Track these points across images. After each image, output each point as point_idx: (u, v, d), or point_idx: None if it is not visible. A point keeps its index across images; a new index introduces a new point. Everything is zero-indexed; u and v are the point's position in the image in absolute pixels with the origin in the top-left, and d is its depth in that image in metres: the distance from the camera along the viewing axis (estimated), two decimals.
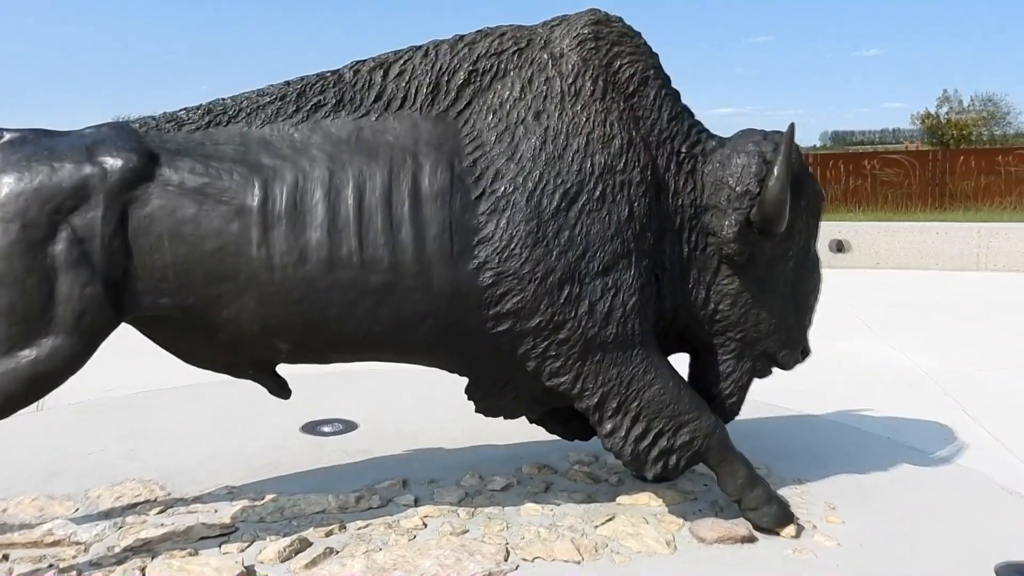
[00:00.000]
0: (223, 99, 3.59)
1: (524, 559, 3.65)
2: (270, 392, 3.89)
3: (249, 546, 3.78)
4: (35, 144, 3.34)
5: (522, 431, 4.79)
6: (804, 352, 4.15)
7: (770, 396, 5.67)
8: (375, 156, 3.47)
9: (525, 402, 3.92)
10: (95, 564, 3.61)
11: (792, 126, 3.74)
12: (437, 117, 3.60)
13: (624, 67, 3.74)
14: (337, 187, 3.40)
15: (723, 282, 3.82)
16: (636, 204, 3.61)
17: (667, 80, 3.87)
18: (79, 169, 3.25)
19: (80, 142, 3.35)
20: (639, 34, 3.87)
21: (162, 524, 4.02)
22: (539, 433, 4.66)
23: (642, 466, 3.79)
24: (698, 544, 3.79)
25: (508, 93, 3.64)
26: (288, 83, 3.63)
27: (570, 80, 3.65)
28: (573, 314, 3.54)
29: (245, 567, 3.54)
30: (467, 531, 3.91)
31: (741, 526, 3.87)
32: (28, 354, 3.20)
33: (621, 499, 4.25)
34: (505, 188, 3.48)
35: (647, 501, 4.21)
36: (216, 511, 4.19)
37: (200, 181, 3.34)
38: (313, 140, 3.51)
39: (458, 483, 4.47)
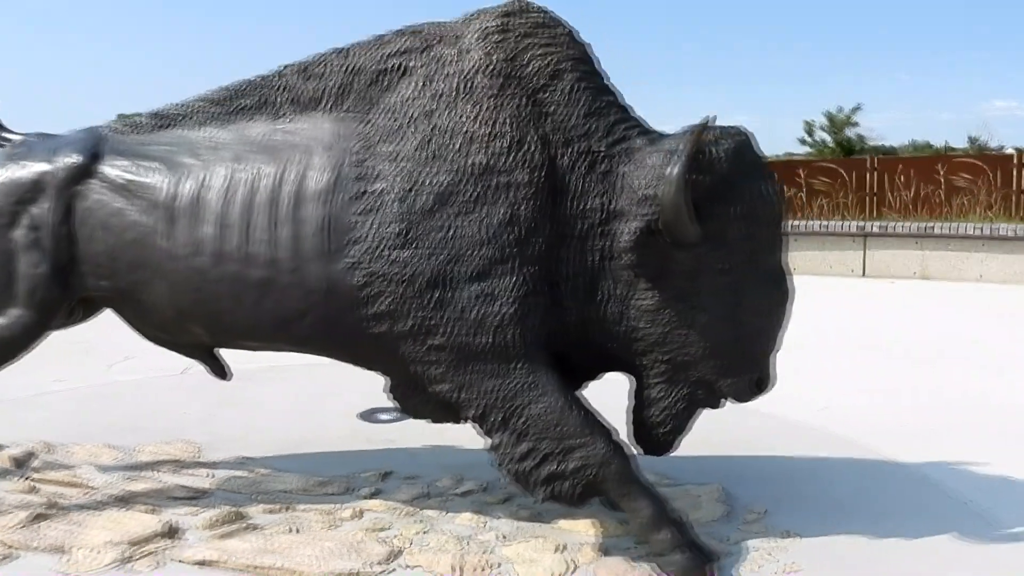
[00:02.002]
0: (171, 104, 3.97)
1: (405, 565, 3.59)
2: (210, 372, 4.23)
3: (202, 511, 4.13)
4: (24, 146, 3.98)
5: None
6: (759, 382, 3.54)
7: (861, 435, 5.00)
8: (275, 156, 3.62)
9: (436, 406, 3.79)
10: (75, 506, 4.19)
11: (706, 120, 3.24)
12: (342, 118, 3.65)
13: (532, 60, 3.48)
14: (234, 185, 3.60)
15: (640, 296, 3.40)
16: (520, 207, 3.36)
17: (589, 73, 3.53)
18: (39, 167, 3.82)
19: (51, 144, 3.92)
20: (560, 24, 3.58)
21: (160, 480, 4.55)
22: None
23: (528, 487, 3.51)
24: None
25: (408, 92, 3.58)
26: (226, 88, 3.90)
27: (467, 76, 3.48)
28: (443, 319, 3.40)
29: (170, 527, 3.90)
30: (383, 529, 3.92)
31: (641, 570, 3.43)
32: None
33: (562, 522, 3.96)
34: (380, 188, 3.44)
35: (584, 528, 3.89)
36: (212, 476, 4.63)
37: (127, 178, 3.74)
38: (229, 141, 3.75)
39: (430, 483, 4.47)
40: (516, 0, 3.61)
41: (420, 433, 5.14)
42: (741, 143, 3.36)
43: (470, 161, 3.38)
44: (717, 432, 5.14)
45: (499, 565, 3.58)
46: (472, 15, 3.65)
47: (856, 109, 35.21)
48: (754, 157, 3.41)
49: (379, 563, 3.59)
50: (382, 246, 3.40)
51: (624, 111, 3.55)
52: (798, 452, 4.94)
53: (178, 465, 4.82)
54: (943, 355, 7.35)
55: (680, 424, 3.58)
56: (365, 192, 3.46)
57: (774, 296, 3.47)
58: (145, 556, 3.68)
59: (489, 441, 3.56)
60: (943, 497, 4.28)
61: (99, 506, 4.19)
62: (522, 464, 3.46)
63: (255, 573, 3.55)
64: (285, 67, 3.84)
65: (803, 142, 39.71)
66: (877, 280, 11.66)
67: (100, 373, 6.77)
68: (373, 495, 4.33)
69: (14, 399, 6.13)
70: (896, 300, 10.30)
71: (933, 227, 11.32)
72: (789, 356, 7.08)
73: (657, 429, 3.57)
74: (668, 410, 3.53)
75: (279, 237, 3.51)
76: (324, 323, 3.58)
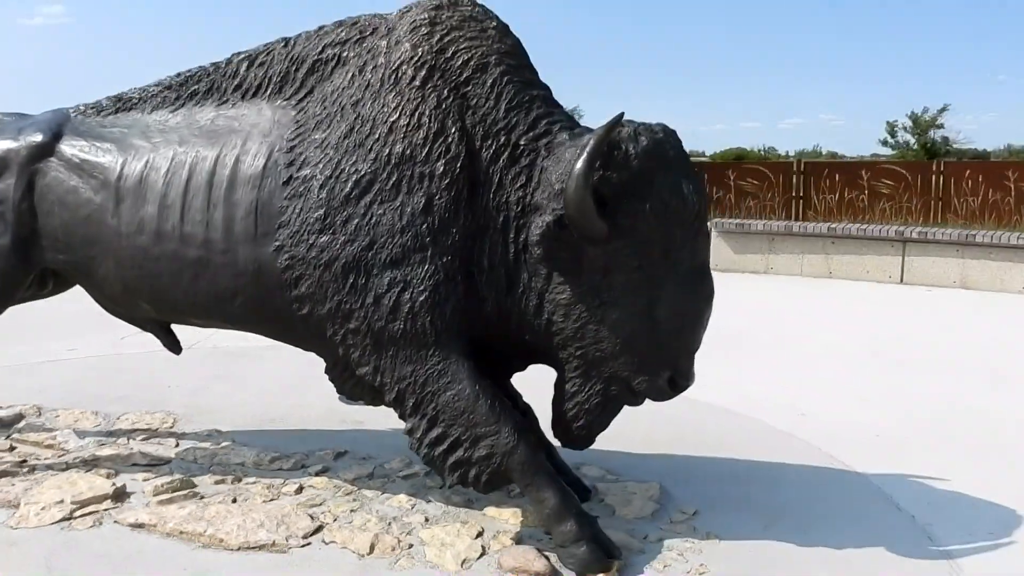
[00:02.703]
0: (133, 88, 4.15)
1: (323, 541, 3.71)
2: (164, 346, 4.42)
3: (155, 478, 4.33)
4: (1, 124, 4.22)
5: None
6: (673, 382, 3.52)
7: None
8: (216, 140, 3.77)
9: (368, 388, 3.85)
10: (43, 466, 4.44)
11: (617, 117, 3.25)
12: (281, 105, 3.77)
13: (459, 53, 3.53)
14: (176, 167, 3.77)
15: (555, 290, 3.42)
16: (437, 197, 3.42)
17: (516, 67, 3.56)
18: (5, 145, 4.05)
19: (20, 124, 4.15)
20: (492, 18, 3.62)
21: (129, 447, 4.78)
22: None
23: (439, 472, 3.60)
24: (490, 570, 3.49)
25: (340, 81, 3.68)
26: (181, 74, 4.06)
27: (393, 67, 3.56)
28: (360, 304, 3.49)
29: (118, 491, 4.10)
30: (316, 505, 4.05)
31: (541, 561, 3.46)
32: None
33: (490, 510, 4.02)
34: (306, 174, 3.55)
35: (508, 517, 3.94)
36: (177, 445, 4.84)
37: (83, 158, 3.94)
38: (177, 125, 3.91)
39: (378, 464, 4.58)
40: None
41: (390, 416, 5.27)
42: (659, 141, 3.35)
43: (389, 151, 3.46)
44: (685, 433, 5.18)
45: (411, 547, 3.66)
46: (406, 8, 3.72)
47: (943, 110, 33.94)
48: (675, 155, 3.39)
49: (299, 537, 3.72)
50: (304, 230, 3.51)
51: (550, 105, 3.57)
52: (758, 456, 4.87)
53: (150, 434, 5.05)
54: (956, 366, 7.11)
55: (595, 419, 3.59)
56: (293, 178, 3.57)
57: (692, 295, 3.44)
58: (87, 515, 3.90)
59: (404, 425, 3.64)
60: (888, 510, 4.19)
61: (63, 467, 4.43)
62: (433, 449, 3.54)
63: (181, 538, 3.72)
64: (235, 55, 3.98)
65: (884, 143, 38.51)
66: (914, 288, 11.29)
67: (110, 345, 7.08)
68: (320, 472, 4.46)
69: (24, 365, 6.50)
70: (930, 308, 9.97)
71: (975, 235, 10.89)
72: (784, 358, 7.10)
73: (572, 423, 3.59)
74: (582, 405, 3.55)
75: (213, 219, 3.66)
76: (254, 303, 3.71)
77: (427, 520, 3.91)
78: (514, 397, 4.12)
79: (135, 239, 3.80)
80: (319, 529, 3.80)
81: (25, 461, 4.52)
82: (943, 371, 6.94)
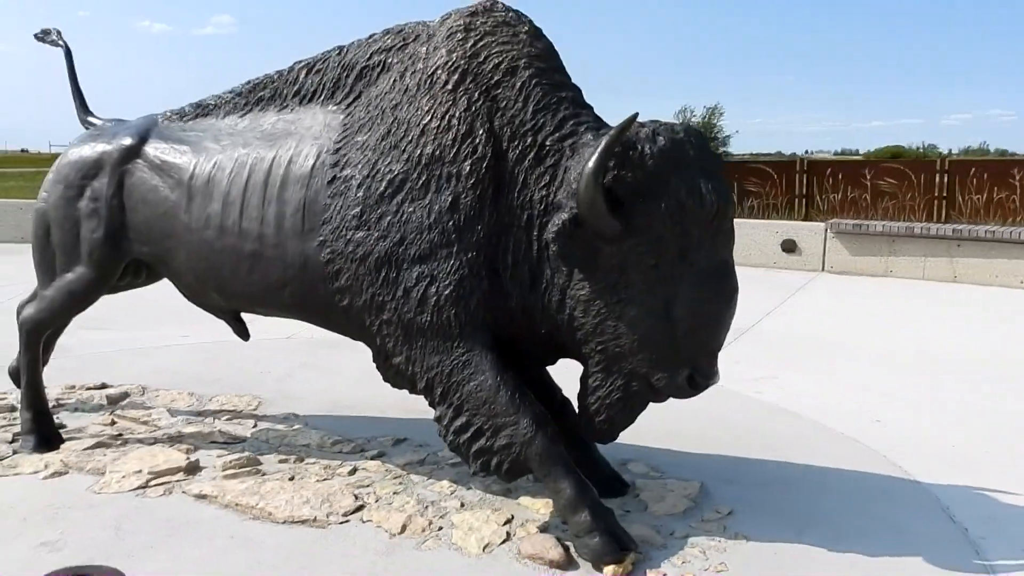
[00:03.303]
0: (211, 95, 4.52)
1: (361, 519, 3.94)
2: (234, 332, 4.78)
3: (227, 455, 4.70)
4: (100, 129, 4.70)
5: None
6: (693, 380, 3.52)
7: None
8: (274, 143, 4.07)
9: (406, 378, 4.04)
10: (134, 440, 4.91)
11: (631, 118, 3.30)
12: (332, 110, 4.03)
13: (491, 57, 3.67)
14: (239, 168, 4.09)
15: (576, 286, 3.51)
16: (463, 196, 3.58)
17: (545, 70, 3.66)
18: (102, 147, 4.52)
19: (116, 129, 4.61)
20: (524, 23, 3.74)
21: (212, 426, 5.20)
22: None
23: (464, 459, 3.75)
24: (510, 556, 3.62)
25: (384, 86, 3.90)
26: (251, 82, 4.40)
27: (430, 72, 3.74)
28: (391, 296, 3.70)
29: (191, 464, 4.49)
30: (364, 486, 4.28)
31: (557, 549, 3.56)
32: (70, 277, 4.59)
33: (523, 499, 4.14)
34: (348, 174, 3.79)
35: (540, 507, 4.05)
36: (255, 426, 5.22)
37: (163, 159, 4.35)
38: (244, 129, 4.24)
39: (432, 452, 4.78)
40: (486, 0, 3.81)
41: None
42: (678, 141, 3.37)
43: (421, 151, 3.65)
44: (744, 435, 5.13)
45: (440, 529, 3.84)
46: (447, 15, 3.90)
47: None
48: (695, 156, 3.40)
49: (339, 514, 3.97)
50: (342, 227, 3.76)
51: (577, 106, 3.66)
52: (815, 461, 4.76)
53: (233, 415, 5.46)
54: None
55: (616, 414, 3.64)
56: (336, 178, 3.82)
57: (711, 295, 3.44)
58: (160, 485, 4.29)
59: (433, 413, 3.82)
60: (939, 521, 4.02)
61: (151, 442, 4.88)
62: (458, 437, 3.70)
63: (236, 509, 4.04)
64: (297, 63, 4.28)
65: None
66: None
67: (220, 333, 7.62)
68: (375, 456, 4.71)
69: (143, 349, 7.12)
70: None
71: None
72: (879, 365, 6.82)
73: (595, 417, 3.67)
74: (603, 399, 3.62)
75: (267, 215, 3.96)
76: (301, 294, 3.99)
77: (462, 505, 4.08)
78: (552, 389, 4.22)
79: (202, 233, 4.16)
80: (360, 508, 4.03)
81: (121, 435, 5.01)
82: None
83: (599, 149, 3.24)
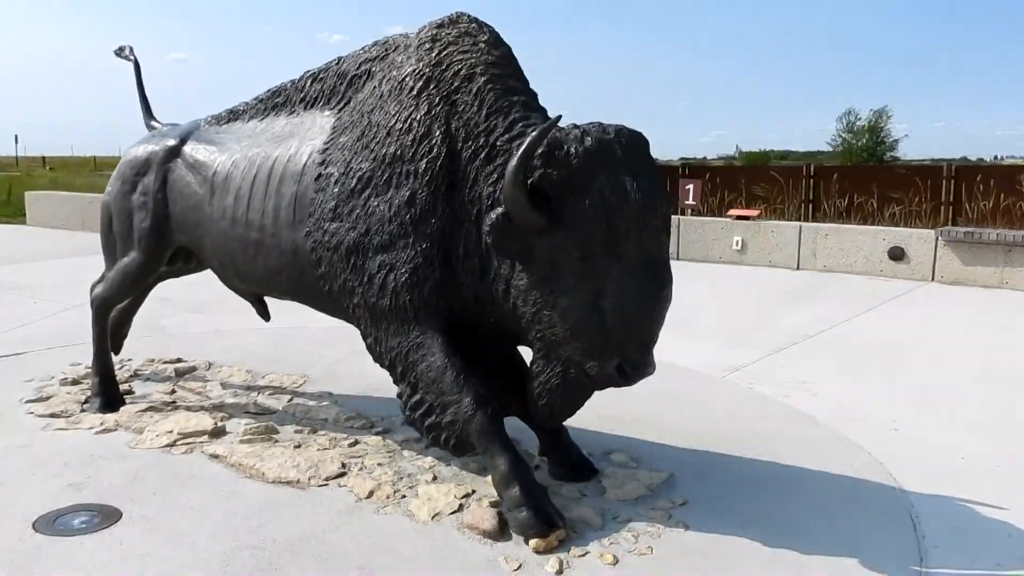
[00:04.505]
0: (242, 102, 5.07)
1: (338, 484, 4.35)
2: (257, 313, 5.31)
3: (253, 423, 5.24)
4: (156, 132, 5.37)
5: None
6: (622, 370, 3.68)
7: None
8: (280, 144, 4.56)
9: (377, 355, 4.37)
10: (183, 407, 5.55)
11: (554, 120, 3.52)
12: (327, 114, 4.47)
13: (452, 64, 3.98)
14: (250, 166, 4.60)
15: (517, 277, 3.76)
16: (419, 192, 3.91)
17: (501, 76, 3.93)
18: (152, 148, 5.17)
19: (166, 131, 5.25)
20: (484, 33, 4.03)
21: (251, 398, 5.78)
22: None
23: (420, 433, 4.08)
24: (452, 525, 3.91)
25: (366, 92, 4.29)
26: (270, 89, 4.91)
27: (400, 79, 4.10)
28: (359, 282, 4.08)
29: (217, 429, 5.07)
30: (357, 456, 4.69)
31: (491, 521, 3.82)
32: (125, 261, 5.28)
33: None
34: (329, 171, 4.20)
35: None
36: (290, 400, 5.76)
37: (196, 158, 4.93)
38: (260, 132, 4.76)
39: None
40: (454, 13, 4.13)
41: None
42: (606, 141, 3.55)
43: (385, 151, 4.01)
44: (747, 434, 5.18)
45: (404, 498, 4.19)
46: (422, 27, 4.24)
47: None
48: (623, 155, 3.56)
49: (320, 478, 4.39)
50: (322, 218, 4.18)
51: (529, 110, 3.90)
52: (807, 464, 4.73)
53: (277, 390, 6.03)
54: None
55: (556, 399, 3.86)
56: (321, 175, 4.25)
57: (639, 287, 3.58)
58: (185, 444, 4.87)
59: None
60: (901, 530, 3.95)
61: (196, 409, 5.49)
62: (414, 413, 4.04)
63: (238, 469, 4.55)
64: (306, 72, 4.75)
65: None
66: None
67: (300, 320, 8.31)
68: (380, 432, 5.12)
69: (231, 331, 7.86)
70: None
71: None
72: (927, 376, 6.53)
73: (537, 402, 3.90)
74: (544, 385, 3.85)
75: (267, 208, 4.45)
76: (295, 279, 4.45)
77: (434, 479, 4.40)
78: (522, 373, 4.45)
79: (220, 224, 4.71)
80: (342, 475, 4.44)
81: (174, 402, 5.67)
82: None
83: (521, 150, 3.48)
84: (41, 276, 11.16)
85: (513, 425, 4.56)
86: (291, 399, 5.82)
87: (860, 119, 57.47)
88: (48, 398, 5.67)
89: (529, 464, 3.96)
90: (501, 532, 3.79)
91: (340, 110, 4.42)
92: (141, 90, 5.81)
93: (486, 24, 4.11)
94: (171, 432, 4.98)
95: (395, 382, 4.17)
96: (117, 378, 6.00)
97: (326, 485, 4.34)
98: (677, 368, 6.83)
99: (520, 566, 3.56)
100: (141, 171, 5.19)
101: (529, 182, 3.54)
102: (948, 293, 10.62)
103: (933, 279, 11.33)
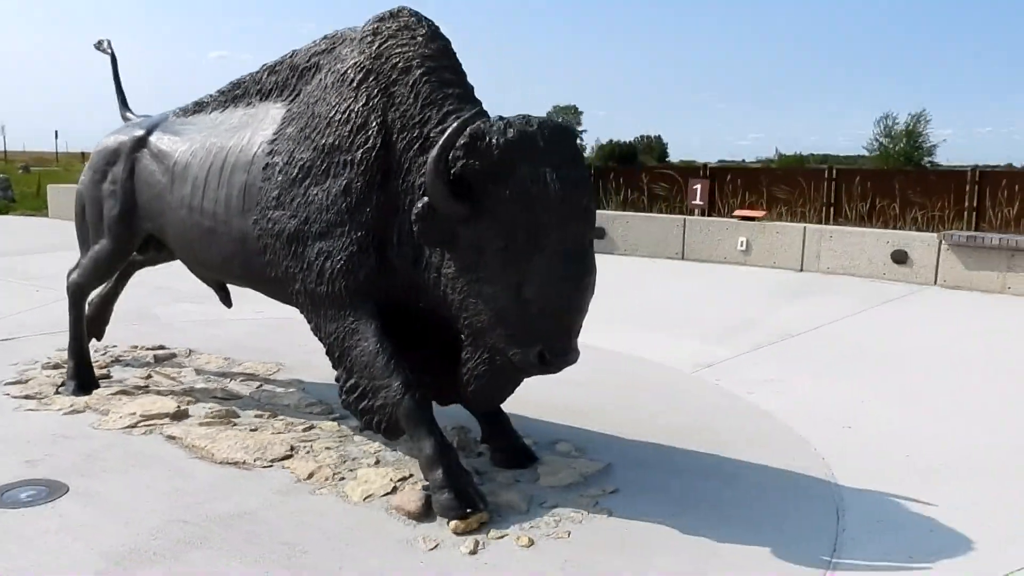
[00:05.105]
0: (207, 94, 5.23)
1: (281, 466, 4.47)
2: (220, 300, 5.46)
3: (217, 407, 5.40)
4: (129, 123, 5.56)
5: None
6: (543, 357, 3.75)
7: None
8: (234, 135, 4.70)
9: (320, 340, 4.50)
10: (154, 391, 5.73)
11: (471, 115, 3.63)
12: (279, 106, 4.60)
13: (391, 57, 4.09)
14: (206, 156, 4.75)
15: (446, 265, 3.85)
16: (355, 181, 4.02)
17: (437, 68, 4.02)
18: (121, 138, 5.35)
19: (136, 122, 5.43)
20: (423, 27, 4.13)
21: (221, 384, 5.95)
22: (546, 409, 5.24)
23: (355, 417, 4.20)
24: (381, 507, 4.02)
25: (313, 84, 4.42)
26: (231, 82, 5.06)
27: (342, 72, 4.21)
28: (299, 269, 4.21)
29: (179, 412, 5.23)
30: (308, 441, 4.82)
31: (417, 502, 3.92)
32: (97, 248, 5.47)
33: None
34: (275, 161, 4.33)
35: None
36: (258, 387, 5.92)
37: (159, 148, 5.10)
38: (219, 123, 4.90)
39: None
40: (396, 7, 4.24)
41: None
42: (527, 133, 3.62)
43: (324, 141, 4.13)
44: (701, 428, 5.24)
45: (342, 479, 4.31)
46: (367, 21, 4.35)
47: None
48: (545, 147, 3.64)
49: (266, 460, 4.53)
50: (266, 207, 4.31)
51: (462, 102, 3.99)
52: (751, 459, 4.77)
53: (249, 377, 6.19)
54: None
55: (484, 386, 3.95)
56: (268, 164, 4.38)
57: (560, 276, 3.65)
58: (145, 426, 5.04)
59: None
60: (823, 521, 3.98)
61: (167, 394, 5.67)
62: (349, 396, 4.15)
63: (190, 450, 4.70)
64: (264, 65, 4.89)
65: None
66: None
67: (286, 309, 8.48)
68: (337, 419, 5.24)
69: (219, 320, 8.04)
70: None
71: None
72: (917, 378, 6.50)
73: (467, 387, 4.00)
74: (472, 371, 3.94)
75: (220, 196, 4.59)
76: (246, 266, 4.59)
77: (376, 463, 4.52)
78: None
79: (179, 212, 4.87)
80: (288, 457, 4.58)
81: (147, 386, 5.85)
82: None
83: (441, 140, 3.58)
84: (47, 266, 11.46)
85: (463, 413, 4.69)
86: (260, 386, 5.97)
87: (898, 123, 56.72)
88: (27, 380, 5.89)
89: (455, 449, 4.05)
90: (425, 514, 3.89)
91: (291, 102, 4.55)
92: (117, 82, 6.01)
93: (426, 18, 4.22)
94: (134, 414, 5.15)
95: (333, 367, 4.29)
96: (99, 363, 6.22)
97: (270, 466, 4.48)
98: (648, 363, 6.91)
99: (436, 546, 3.65)
100: (111, 161, 5.37)
101: (452, 172, 3.64)
102: (947, 297, 10.52)
103: (935, 283, 11.22)
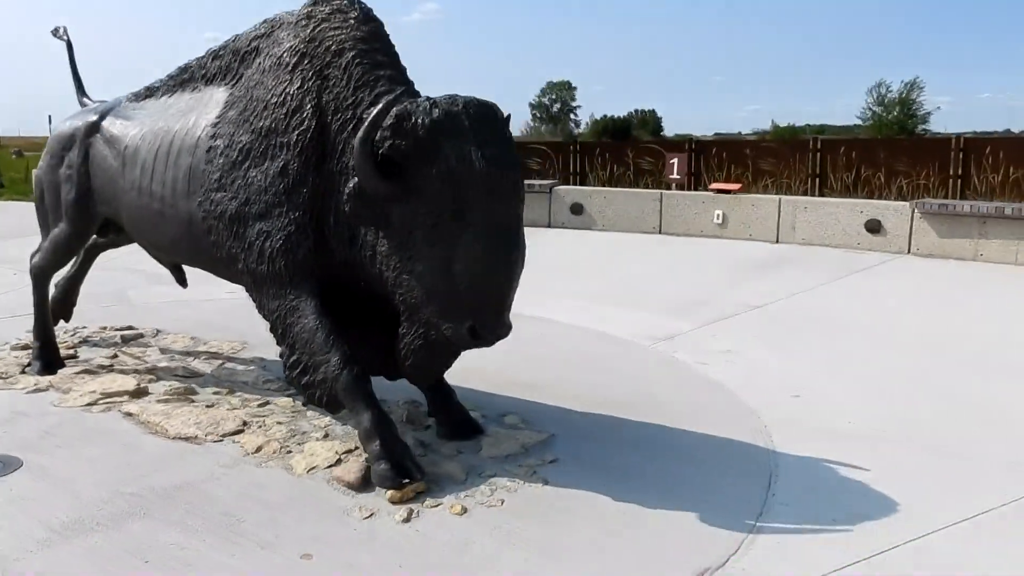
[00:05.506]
0: (158, 79, 5.30)
1: (231, 440, 4.59)
2: (175, 280, 5.57)
3: (176, 384, 5.51)
4: (84, 108, 5.63)
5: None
6: (474, 331, 3.85)
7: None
8: (180, 118, 4.78)
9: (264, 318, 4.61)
10: (118, 370, 5.84)
11: (400, 93, 3.71)
12: (222, 89, 4.67)
13: (324, 41, 4.16)
14: (154, 140, 4.83)
15: (380, 243, 3.95)
16: (291, 163, 4.11)
17: (369, 51, 4.10)
18: (76, 123, 5.43)
19: (92, 108, 5.50)
20: (355, 10, 4.21)
21: (183, 362, 6.06)
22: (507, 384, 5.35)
23: (298, 392, 4.31)
24: (323, 478, 4.14)
25: (252, 68, 4.49)
26: (179, 67, 5.13)
27: (279, 55, 4.29)
28: (241, 249, 4.30)
29: (139, 389, 5.34)
30: (260, 416, 4.93)
31: (356, 473, 4.04)
32: (55, 231, 5.56)
33: None
34: (217, 144, 4.42)
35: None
36: (220, 365, 6.03)
37: (112, 133, 5.18)
38: (167, 107, 4.98)
39: None
40: None
41: None
42: (452, 113, 3.71)
43: (262, 124, 4.22)
44: (649, 399, 5.35)
45: (289, 453, 4.42)
46: (303, 5, 4.42)
47: None
48: (471, 126, 3.72)
49: (217, 435, 4.64)
50: (209, 189, 4.40)
51: (394, 83, 4.07)
52: (695, 428, 4.88)
53: (212, 356, 6.30)
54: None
55: (420, 360, 4.06)
56: (211, 148, 4.47)
57: (488, 252, 3.74)
58: (105, 403, 5.15)
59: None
60: (754, 488, 4.09)
61: (131, 372, 5.78)
62: (292, 372, 4.26)
63: (145, 426, 4.82)
64: (209, 51, 4.96)
65: None
66: None
67: None
68: (291, 395, 5.34)
69: (192, 301, 8.10)
70: None
71: None
72: (877, 348, 6.59)
73: (404, 361, 4.11)
74: (409, 346, 4.05)
75: (167, 179, 4.68)
76: (193, 247, 4.68)
77: (325, 436, 4.63)
78: None
79: (130, 195, 4.95)
80: (239, 432, 4.69)
81: (112, 366, 5.97)
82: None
83: (367, 122, 3.66)
84: (28, 249, 11.52)
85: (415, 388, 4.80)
86: (223, 364, 6.09)
87: (891, 91, 56.55)
88: None
89: (392, 421, 4.17)
90: (364, 484, 4.01)
91: (233, 86, 4.63)
92: (74, 68, 6.08)
93: (358, 0, 4.28)
94: (94, 392, 5.27)
95: (277, 343, 4.39)
96: (67, 344, 6.34)
97: (221, 441, 4.60)
98: (608, 337, 7.02)
99: (372, 515, 3.78)
100: (67, 146, 5.45)
101: (380, 153, 3.73)
102: (919, 265, 10.61)
103: (909, 251, 11.31)
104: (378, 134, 3.73)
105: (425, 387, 4.63)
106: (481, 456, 4.40)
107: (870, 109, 56.73)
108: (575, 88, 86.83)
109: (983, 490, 4.09)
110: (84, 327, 6.96)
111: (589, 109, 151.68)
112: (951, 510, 3.86)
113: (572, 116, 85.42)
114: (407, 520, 3.73)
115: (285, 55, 4.26)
